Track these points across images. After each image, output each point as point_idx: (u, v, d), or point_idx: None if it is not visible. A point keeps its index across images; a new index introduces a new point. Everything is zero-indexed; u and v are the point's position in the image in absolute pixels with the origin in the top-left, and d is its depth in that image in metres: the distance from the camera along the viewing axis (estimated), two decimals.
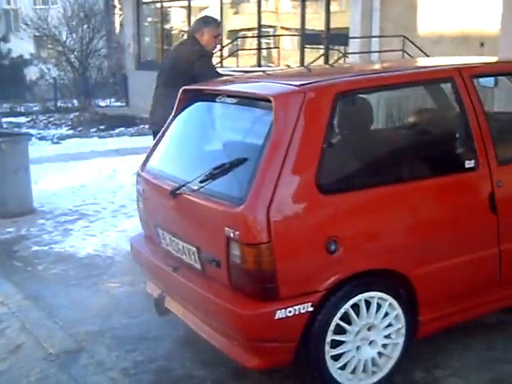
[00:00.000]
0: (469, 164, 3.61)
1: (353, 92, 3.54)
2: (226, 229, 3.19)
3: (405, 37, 11.20)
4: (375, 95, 3.89)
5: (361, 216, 3.33)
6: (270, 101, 3.28)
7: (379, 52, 11.77)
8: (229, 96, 3.70)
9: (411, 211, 3.49)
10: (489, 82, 4.40)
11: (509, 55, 7.77)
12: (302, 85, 3.38)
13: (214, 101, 3.78)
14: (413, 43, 11.02)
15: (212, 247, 3.37)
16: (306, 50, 13.90)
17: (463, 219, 3.63)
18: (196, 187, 3.45)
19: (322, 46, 12.69)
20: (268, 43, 15.87)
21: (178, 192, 3.56)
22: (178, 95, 4.06)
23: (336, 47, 12.95)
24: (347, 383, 3.40)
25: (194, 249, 3.51)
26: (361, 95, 3.67)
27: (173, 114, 4.08)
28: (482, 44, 10.79)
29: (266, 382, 3.66)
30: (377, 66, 4.61)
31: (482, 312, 3.90)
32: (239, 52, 15.32)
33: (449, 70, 3.80)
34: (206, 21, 5.50)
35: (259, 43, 15.27)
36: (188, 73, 5.06)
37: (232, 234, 3.16)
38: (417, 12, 11.78)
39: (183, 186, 3.53)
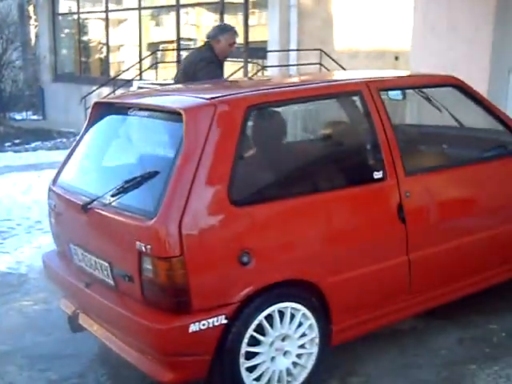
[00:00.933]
0: (377, 175, 3.70)
1: (263, 105, 3.58)
2: (138, 243, 3.16)
3: (322, 50, 11.41)
4: (287, 108, 3.93)
5: (273, 228, 3.36)
6: (180, 114, 3.28)
7: (297, 65, 11.95)
8: (140, 109, 3.69)
9: (322, 222, 3.54)
10: (397, 95, 4.52)
11: (419, 68, 8.02)
12: (213, 98, 3.40)
13: (126, 114, 3.75)
14: (329, 57, 11.23)
15: (124, 262, 3.34)
16: (225, 63, 13.95)
17: (373, 229, 3.71)
18: (107, 201, 3.41)
19: (241, 59, 12.78)
20: None
21: (89, 206, 3.51)
22: (90, 108, 4.02)
23: (255, 60, 13.06)
24: None
25: (107, 264, 3.46)
26: (272, 108, 3.71)
27: (84, 127, 4.03)
28: (396, 58, 11.11)
29: None
30: (289, 80, 4.68)
31: (395, 319, 3.99)
32: (159, 65, 15.25)
33: (357, 83, 3.89)
34: (224, 28, 5.57)
35: (179, 56, 15.24)
36: (194, 79, 5.06)
37: (144, 248, 3.14)
38: (333, 26, 12.02)
39: (94, 200, 3.49)
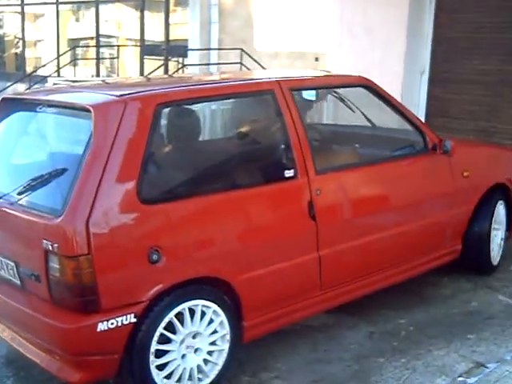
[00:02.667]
0: (288, 173, 3.75)
1: (174, 103, 3.58)
2: (45, 241, 3.11)
3: (242, 50, 11.46)
4: (199, 106, 3.94)
5: (183, 226, 3.37)
6: (89, 111, 3.24)
7: (218, 64, 11.96)
8: (49, 106, 3.62)
9: (234, 220, 3.56)
10: (310, 95, 4.59)
11: (336, 70, 8.17)
12: (123, 95, 3.37)
13: (35, 110, 3.68)
14: (250, 56, 11.29)
15: (31, 261, 3.27)
16: (145, 60, 13.86)
17: (284, 226, 3.76)
18: (14, 199, 3.34)
19: (161, 57, 12.70)
20: (111, 54, 15.65)
21: None
22: None
23: (176, 58, 13.02)
24: None
25: (13, 263, 3.38)
26: (183, 106, 3.71)
27: None
28: (316, 59, 11.26)
29: None
30: (203, 78, 4.68)
31: (306, 315, 4.06)
32: (78, 61, 14.99)
33: (268, 82, 3.92)
34: None
35: (98, 53, 15.01)
36: None
37: (50, 247, 3.09)
38: (254, 26, 12.09)
39: (0, 198, 3.40)
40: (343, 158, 4.42)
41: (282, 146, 3.84)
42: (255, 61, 11.15)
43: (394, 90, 7.53)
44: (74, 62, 14.73)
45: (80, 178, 3.11)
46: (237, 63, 11.41)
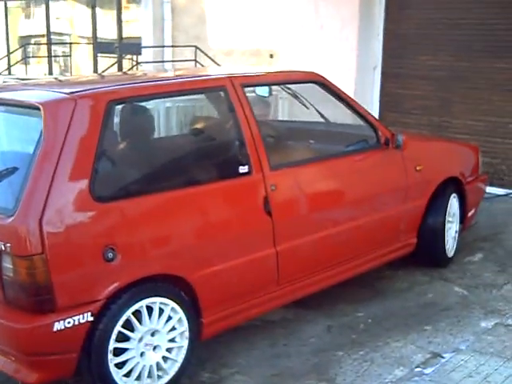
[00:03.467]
0: (243, 169, 3.75)
1: (126, 100, 3.56)
2: None
3: (197, 47, 11.41)
4: (152, 103, 3.92)
5: (138, 223, 3.34)
6: (39, 109, 3.19)
7: (172, 61, 11.89)
8: None
9: (189, 216, 3.54)
10: (263, 91, 4.60)
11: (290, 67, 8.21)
12: (73, 92, 3.33)
13: None
14: (205, 53, 11.25)
15: None
16: (99, 58, 13.71)
17: (240, 222, 3.76)
18: None
19: (115, 55, 12.58)
20: (64, 51, 15.44)
21: None
22: None
23: (129, 56, 12.91)
24: None
25: None
26: (135, 103, 3.69)
27: None
28: (271, 55, 11.28)
29: None
30: (156, 75, 4.64)
31: (264, 310, 4.06)
32: (30, 59, 14.75)
33: (220, 78, 3.92)
34: None
35: (50, 51, 14.80)
36: None
37: (3, 247, 3.04)
38: (207, 23, 12.05)
39: None
40: (297, 154, 4.45)
41: (236, 142, 3.84)
42: (210, 58, 11.11)
43: (347, 85, 7.61)
44: (25, 60, 14.50)
45: (31, 176, 3.07)
46: (191, 60, 11.35)
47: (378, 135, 4.59)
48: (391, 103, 8.09)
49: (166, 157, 3.78)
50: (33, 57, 14.88)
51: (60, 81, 4.35)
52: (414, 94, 7.86)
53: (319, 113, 4.97)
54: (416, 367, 3.74)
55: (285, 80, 4.59)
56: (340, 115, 4.92)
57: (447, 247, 5.11)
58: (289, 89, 4.99)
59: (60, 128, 3.17)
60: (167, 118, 4.54)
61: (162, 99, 3.84)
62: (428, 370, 3.69)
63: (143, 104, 3.78)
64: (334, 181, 4.36)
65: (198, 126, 4.10)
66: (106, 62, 13.20)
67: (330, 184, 4.34)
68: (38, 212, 3.01)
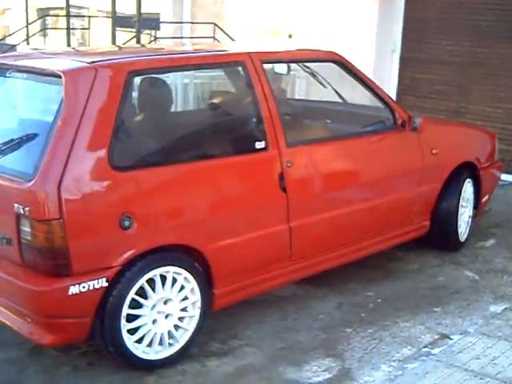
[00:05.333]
0: (259, 145, 3.77)
1: (146, 71, 3.58)
2: (16, 205, 3.10)
3: (215, 24, 11.39)
4: (171, 75, 3.94)
5: (155, 193, 3.37)
6: (60, 76, 3.22)
7: (190, 38, 11.88)
8: (19, 71, 3.58)
9: (206, 189, 3.58)
10: (282, 69, 4.61)
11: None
12: (94, 62, 3.36)
13: (4, 75, 3.64)
14: (223, 31, 11.23)
15: (3, 225, 3.26)
16: (117, 32, 13.71)
17: (255, 197, 3.79)
18: None
19: (133, 30, 12.58)
20: (82, 25, 15.45)
21: None
22: None
23: (148, 31, 12.90)
24: (144, 356, 3.44)
25: None
26: (155, 74, 3.70)
27: None
28: (290, 36, 11.25)
29: (64, 359, 3.62)
30: (176, 48, 4.66)
31: (276, 285, 4.11)
32: (48, 31, 14.77)
33: (239, 54, 3.93)
34: None
35: (68, 23, 14.81)
36: None
37: (22, 211, 3.09)
38: (226, 1, 12.01)
39: None
40: (314, 132, 4.46)
41: (253, 118, 3.86)
42: (228, 35, 11.09)
43: (365, 67, 7.56)
44: (43, 31, 14.51)
45: (51, 143, 3.10)
46: (209, 37, 11.34)
47: (395, 117, 4.59)
48: (409, 87, 8.07)
49: (183, 129, 3.81)
50: (51, 28, 14.90)
51: (81, 51, 4.38)
52: (432, 78, 7.83)
53: (337, 93, 4.98)
54: (424, 347, 3.78)
55: (304, 58, 4.60)
56: (358, 96, 4.91)
57: (460, 231, 5.12)
58: (308, 68, 4.99)
59: (80, 96, 3.20)
60: (186, 92, 4.56)
61: (182, 72, 3.84)
62: (435, 351, 3.72)
63: (162, 76, 3.78)
64: (349, 160, 4.37)
65: (216, 100, 4.12)
66: (124, 36, 13.20)
67: (346, 163, 4.35)
68: (57, 178, 3.05)
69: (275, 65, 4.80)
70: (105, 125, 3.23)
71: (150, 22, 12.72)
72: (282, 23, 11.20)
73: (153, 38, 12.36)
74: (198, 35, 11.43)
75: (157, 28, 12.63)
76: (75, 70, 3.34)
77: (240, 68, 3.89)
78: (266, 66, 3.98)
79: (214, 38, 11.34)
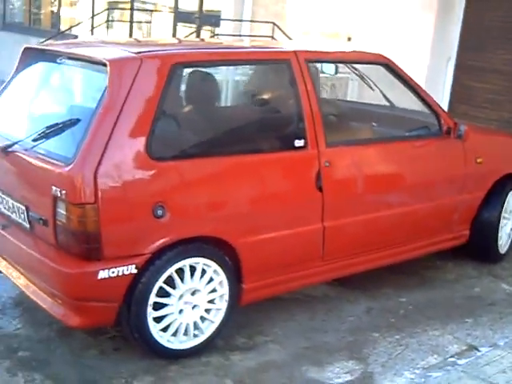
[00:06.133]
0: (298, 143, 3.79)
1: (190, 64, 3.63)
2: (54, 188, 3.20)
3: (274, 24, 11.41)
4: (215, 70, 3.99)
5: (189, 184, 3.42)
6: (105, 65, 3.31)
7: (249, 36, 11.94)
8: (69, 58, 3.69)
9: (241, 183, 3.61)
10: (329, 69, 4.61)
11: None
12: (140, 52, 3.43)
13: (55, 61, 3.75)
14: (282, 31, 11.24)
15: (40, 206, 3.37)
16: (178, 27, 13.88)
17: (291, 194, 3.81)
18: (28, 146, 3.43)
19: (194, 25, 12.71)
20: (146, 19, 15.67)
21: (10, 149, 3.53)
22: (20, 53, 4.00)
23: (208, 27, 13.02)
24: (168, 345, 3.49)
25: (23, 207, 3.49)
26: (199, 68, 3.76)
27: (13, 71, 4.01)
28: (349, 39, 11.20)
29: (92, 342, 3.71)
30: (222, 43, 4.71)
31: (306, 283, 4.13)
32: (113, 24, 15.04)
33: (285, 52, 3.96)
34: None
35: (132, 16, 15.06)
36: None
37: (59, 193, 3.18)
38: (287, 1, 12.02)
39: (16, 143, 3.50)
40: (356, 134, 4.45)
41: (294, 116, 3.88)
42: (286, 35, 11.09)
43: (419, 73, 7.54)
44: (107, 23, 14.78)
45: (91, 129, 3.19)
46: (268, 37, 11.35)
47: (440, 123, 4.54)
48: (462, 95, 7.95)
49: (223, 124, 3.85)
50: (115, 21, 15.17)
51: (131, 41, 4.47)
52: (487, 87, 7.69)
53: (384, 96, 4.94)
54: (450, 357, 3.74)
55: (350, 59, 4.59)
56: (405, 100, 4.88)
57: (500, 243, 5.03)
58: (356, 70, 4.98)
59: (124, 85, 3.27)
60: (228, 85, 4.60)
61: (226, 67, 3.88)
62: (462, 361, 3.68)
63: (206, 69, 3.84)
64: (390, 164, 4.34)
65: (258, 96, 4.14)
66: (184, 31, 13.34)
67: (386, 167, 4.32)
68: (95, 163, 3.13)
69: (323, 65, 4.81)
70: (145, 114, 3.29)
71: (211, 19, 12.84)
72: (342, 26, 11.15)
73: (212, 35, 12.45)
74: (256, 34, 11.47)
75: (217, 25, 12.73)
76: (121, 60, 3.42)
77: (285, 66, 3.90)
78: (311, 64, 3.99)
79: (272, 37, 11.36)
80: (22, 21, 17.37)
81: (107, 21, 14.76)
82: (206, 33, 12.97)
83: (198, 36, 12.29)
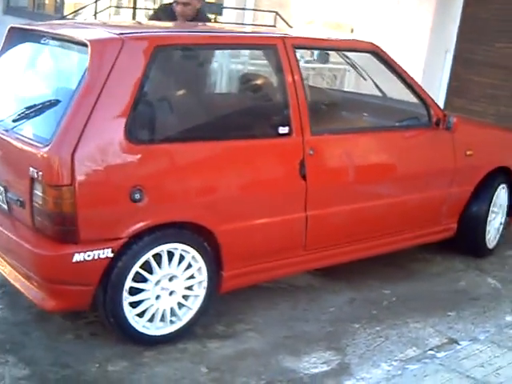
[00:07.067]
0: (283, 130, 3.74)
1: (173, 47, 3.57)
2: (31, 169, 3.17)
3: (277, 13, 11.34)
4: (200, 53, 3.94)
5: (168, 168, 3.39)
6: (87, 45, 3.27)
7: (252, 25, 11.87)
8: (52, 38, 3.65)
9: (222, 169, 3.56)
10: (319, 57, 4.57)
11: None
12: (122, 33, 3.39)
13: (39, 42, 3.72)
14: (284, 20, 11.17)
15: (18, 187, 3.34)
16: None
17: (274, 182, 3.77)
18: (8, 126, 3.41)
19: None
20: (147, 6, 15.60)
21: None
22: (5, 33, 3.96)
23: (210, 15, 12.95)
24: (144, 330, 3.47)
25: (2, 188, 3.46)
26: (182, 51, 3.70)
27: None
28: (352, 30, 11.14)
29: (69, 326, 3.69)
30: (214, 28, 4.66)
31: (288, 272, 4.10)
32: (115, 9, 15.01)
33: (272, 37, 3.91)
34: None
35: (135, 2, 15.00)
36: None
37: (36, 175, 3.15)
38: None
39: None
40: (343, 123, 4.41)
41: (279, 102, 3.83)
42: (289, 25, 11.03)
43: (417, 65, 7.48)
44: (110, 8, 14.74)
45: (70, 110, 3.15)
46: (270, 26, 11.29)
47: (429, 114, 4.49)
48: (459, 89, 7.88)
49: (206, 108, 3.81)
50: (117, 7, 15.14)
51: (118, 23, 4.43)
52: (485, 81, 7.61)
53: (377, 86, 4.89)
54: (429, 350, 3.71)
55: (339, 47, 4.51)
56: (399, 90, 4.82)
57: (488, 237, 5.00)
58: (348, 58, 4.94)
59: (104, 66, 3.23)
60: (212, 70, 4.54)
61: (211, 51, 3.83)
62: (440, 354, 3.65)
63: (190, 53, 3.79)
64: (376, 154, 4.30)
65: (241, 81, 4.11)
66: None
67: (372, 157, 4.27)
68: (72, 145, 3.10)
69: (315, 53, 4.77)
70: (126, 97, 3.25)
71: (213, 7, 12.77)
72: (346, 17, 11.08)
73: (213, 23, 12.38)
74: (259, 23, 11.40)
75: (219, 13, 12.67)
76: (102, 40, 3.38)
77: (271, 51, 3.85)
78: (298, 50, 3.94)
79: (274, 26, 11.29)
80: (26, 5, 17.33)
81: (109, 6, 14.72)
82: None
83: None
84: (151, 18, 5.63)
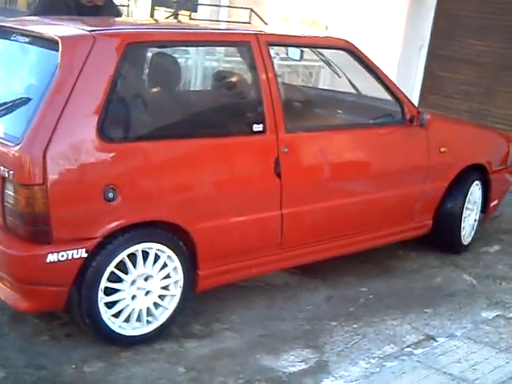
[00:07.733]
0: (257, 127, 3.72)
1: (145, 44, 3.55)
2: (2, 168, 3.11)
3: (252, 10, 11.31)
4: (173, 50, 3.91)
5: (141, 167, 3.35)
6: (57, 42, 3.22)
7: (226, 22, 11.83)
8: (22, 35, 3.59)
9: (196, 167, 3.53)
10: (294, 54, 4.55)
11: None
12: (94, 30, 3.34)
13: (9, 38, 3.65)
14: (259, 17, 11.14)
15: None
16: (156, 11, 13.74)
17: (248, 180, 3.75)
18: None
19: (171, 10, 12.58)
20: (122, 3, 15.48)
21: None
22: None
23: (185, 12, 12.91)
24: (120, 331, 3.43)
25: None
26: (155, 48, 3.67)
27: None
28: (326, 27, 11.15)
29: (44, 327, 3.64)
30: (188, 25, 4.62)
31: (264, 271, 4.08)
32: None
33: (245, 34, 3.89)
34: None
35: None
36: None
37: (7, 174, 3.09)
38: None
39: None
40: (317, 120, 4.40)
41: (253, 100, 3.81)
42: (264, 22, 11.00)
43: (391, 62, 7.50)
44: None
45: (41, 108, 3.10)
46: (245, 23, 11.26)
47: (403, 111, 4.48)
48: (434, 85, 7.92)
49: (179, 106, 3.78)
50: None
51: (89, 20, 4.35)
52: (458, 78, 7.67)
53: (351, 83, 4.89)
54: (406, 347, 3.71)
55: (313, 44, 4.50)
56: (370, 87, 4.82)
57: (463, 234, 5.02)
58: (323, 55, 4.93)
59: (75, 63, 3.18)
60: (185, 67, 4.52)
61: (184, 48, 3.80)
62: (418, 351, 3.65)
63: (162, 50, 3.75)
64: (351, 151, 4.29)
65: (215, 78, 4.07)
66: (162, 15, 13.22)
67: (347, 154, 4.26)
68: (44, 143, 3.05)
69: (289, 50, 4.75)
70: (98, 94, 3.20)
71: (188, 4, 12.72)
72: (320, 14, 11.08)
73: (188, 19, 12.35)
74: (234, 20, 11.36)
75: (194, 10, 12.62)
76: (73, 37, 3.33)
77: (245, 48, 3.83)
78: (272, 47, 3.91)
79: (249, 23, 11.26)
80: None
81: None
82: (183, 18, 12.86)
83: (175, 19, 12.17)
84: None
